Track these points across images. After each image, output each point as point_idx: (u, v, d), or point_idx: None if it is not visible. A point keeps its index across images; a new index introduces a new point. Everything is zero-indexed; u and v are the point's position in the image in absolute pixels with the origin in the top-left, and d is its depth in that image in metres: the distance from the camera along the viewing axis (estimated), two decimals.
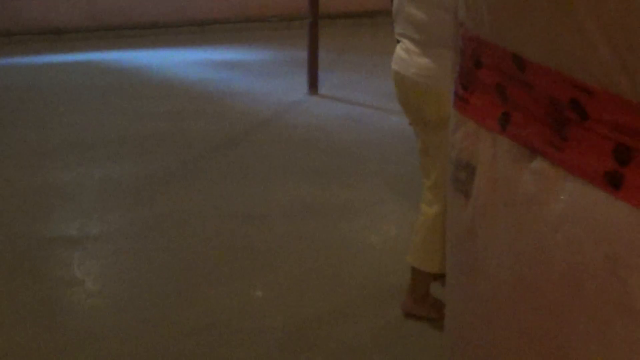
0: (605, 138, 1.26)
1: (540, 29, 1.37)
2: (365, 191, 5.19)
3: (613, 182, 1.24)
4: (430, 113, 3.33)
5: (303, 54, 7.83)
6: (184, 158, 5.76)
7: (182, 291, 3.88)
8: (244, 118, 6.75)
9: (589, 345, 1.31)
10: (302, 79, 7.63)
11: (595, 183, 1.28)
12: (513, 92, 1.50)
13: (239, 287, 3.92)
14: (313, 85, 7.53)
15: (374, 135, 6.39)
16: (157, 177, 5.36)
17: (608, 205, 1.25)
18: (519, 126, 1.49)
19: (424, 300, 3.58)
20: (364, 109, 7.14)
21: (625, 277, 1.22)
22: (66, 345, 3.42)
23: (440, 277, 3.56)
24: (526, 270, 1.44)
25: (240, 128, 6.49)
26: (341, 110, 7.08)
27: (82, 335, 3.49)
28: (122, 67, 8.55)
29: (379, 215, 4.89)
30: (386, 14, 11.43)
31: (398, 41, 3.47)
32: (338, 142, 6.18)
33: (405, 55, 3.36)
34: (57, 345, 3.42)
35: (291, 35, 10.17)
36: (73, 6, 9.80)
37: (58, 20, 9.74)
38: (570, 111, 1.34)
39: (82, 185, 5.20)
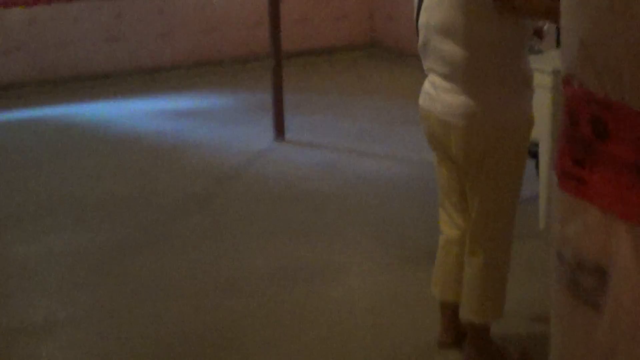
0: None
1: None
2: (352, 247, 4.80)
3: None
4: (457, 152, 3.09)
5: (264, 97, 7.44)
6: (150, 221, 5.29)
7: None
8: (209, 172, 6.31)
9: None
10: (267, 124, 7.21)
11: None
12: None
13: None
14: (279, 130, 7.11)
15: (350, 182, 6.00)
16: (124, 246, 4.89)
17: None
18: None
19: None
20: (336, 153, 6.75)
21: None
22: None
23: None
24: None
25: (207, 184, 6.05)
26: (311, 156, 6.68)
27: None
28: (74, 122, 8.02)
29: (371, 273, 4.50)
30: (345, 50, 11.22)
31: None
32: (313, 192, 5.76)
33: (432, 90, 3.12)
34: None
35: (248, 77, 9.75)
36: (18, 59, 9.30)
37: (2, 75, 9.23)
38: None
39: (42, 260, 4.71)
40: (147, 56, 9.91)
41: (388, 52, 11.08)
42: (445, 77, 3.04)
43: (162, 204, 5.61)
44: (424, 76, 3.20)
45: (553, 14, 2.82)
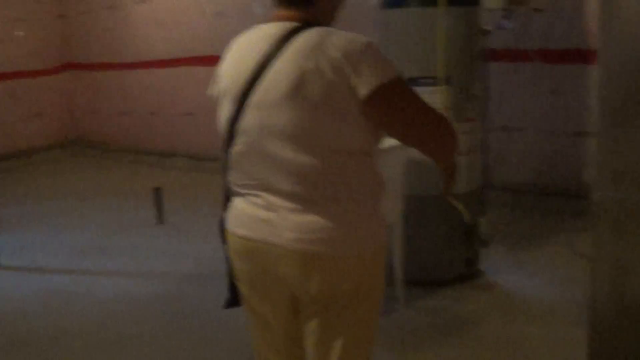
0: None
1: None
2: None
3: None
4: (320, 288, 2.33)
5: None
6: None
7: None
8: None
9: None
10: None
11: None
12: None
13: None
14: None
15: (87, 313, 5.07)
16: None
17: None
18: None
19: None
20: (63, 276, 5.84)
21: None
22: None
23: None
24: None
25: None
26: (34, 283, 5.68)
27: None
28: None
29: None
30: (45, 150, 10.20)
31: (228, 195, 2.49)
32: (43, 334, 4.74)
33: (269, 214, 2.34)
34: None
35: None
36: None
37: None
38: None
39: None
40: None
41: (92, 148, 10.42)
42: (291, 194, 2.31)
43: None
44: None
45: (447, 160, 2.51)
